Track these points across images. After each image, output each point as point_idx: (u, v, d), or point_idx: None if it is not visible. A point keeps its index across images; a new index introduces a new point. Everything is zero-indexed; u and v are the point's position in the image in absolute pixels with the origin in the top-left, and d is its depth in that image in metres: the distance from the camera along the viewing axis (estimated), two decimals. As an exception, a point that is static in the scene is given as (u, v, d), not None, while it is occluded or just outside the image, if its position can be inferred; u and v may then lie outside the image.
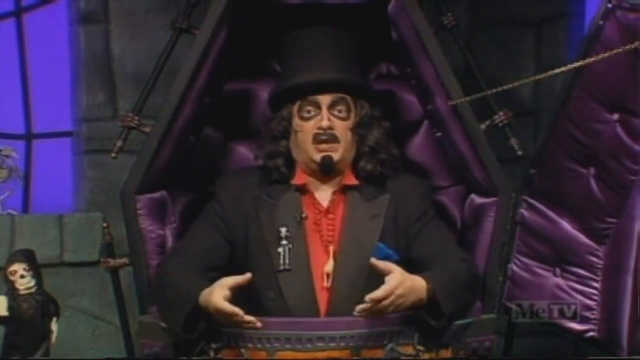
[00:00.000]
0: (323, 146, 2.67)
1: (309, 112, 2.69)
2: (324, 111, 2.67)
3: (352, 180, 2.74)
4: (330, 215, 2.71)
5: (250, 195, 2.73)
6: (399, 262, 2.64)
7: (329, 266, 2.63)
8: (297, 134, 2.71)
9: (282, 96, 2.75)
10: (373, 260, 2.47)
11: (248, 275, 2.47)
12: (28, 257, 2.71)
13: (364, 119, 2.72)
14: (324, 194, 2.74)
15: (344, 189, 2.74)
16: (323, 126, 2.66)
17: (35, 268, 2.70)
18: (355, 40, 2.78)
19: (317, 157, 2.67)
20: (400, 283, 2.42)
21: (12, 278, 2.67)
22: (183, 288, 2.52)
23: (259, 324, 2.43)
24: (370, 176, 2.73)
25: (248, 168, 2.91)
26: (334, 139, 2.67)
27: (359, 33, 2.79)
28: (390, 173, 2.75)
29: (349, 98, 2.71)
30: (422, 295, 2.46)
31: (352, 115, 2.71)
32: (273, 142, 2.75)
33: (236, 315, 2.41)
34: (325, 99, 2.68)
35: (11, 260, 2.70)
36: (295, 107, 2.71)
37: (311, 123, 2.68)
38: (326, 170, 2.69)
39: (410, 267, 2.58)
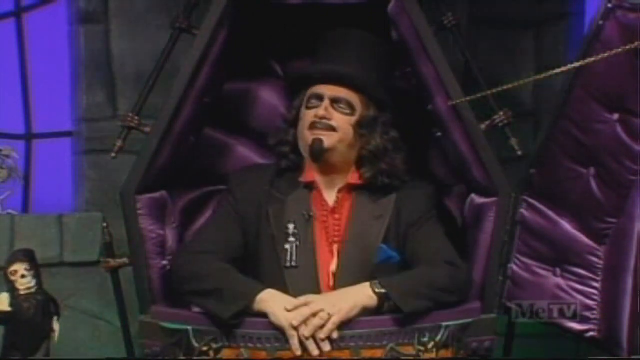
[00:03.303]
0: (316, 131, 2.69)
1: (314, 102, 2.72)
2: (325, 102, 2.70)
3: (356, 180, 2.75)
4: (337, 215, 2.72)
5: (262, 191, 2.74)
6: (400, 263, 2.66)
7: (334, 265, 2.64)
8: (301, 122, 2.74)
9: (295, 84, 2.81)
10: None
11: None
12: (29, 257, 2.71)
13: (367, 119, 2.72)
14: (330, 193, 2.75)
15: (350, 189, 2.75)
16: (319, 114, 2.68)
17: (36, 268, 2.71)
18: (388, 53, 2.81)
19: (309, 140, 2.69)
20: (313, 299, 2.46)
21: (12, 278, 2.68)
22: (236, 284, 2.53)
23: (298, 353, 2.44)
24: (373, 182, 2.74)
25: (261, 165, 2.97)
26: (329, 128, 2.69)
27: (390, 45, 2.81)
28: (396, 184, 2.75)
29: (354, 95, 2.72)
30: (365, 302, 2.47)
31: (357, 113, 2.72)
32: (283, 130, 2.79)
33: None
34: (328, 91, 2.71)
35: (12, 260, 2.70)
36: (305, 97, 2.74)
37: (312, 112, 2.71)
38: (315, 154, 2.69)
39: (407, 268, 2.62)
